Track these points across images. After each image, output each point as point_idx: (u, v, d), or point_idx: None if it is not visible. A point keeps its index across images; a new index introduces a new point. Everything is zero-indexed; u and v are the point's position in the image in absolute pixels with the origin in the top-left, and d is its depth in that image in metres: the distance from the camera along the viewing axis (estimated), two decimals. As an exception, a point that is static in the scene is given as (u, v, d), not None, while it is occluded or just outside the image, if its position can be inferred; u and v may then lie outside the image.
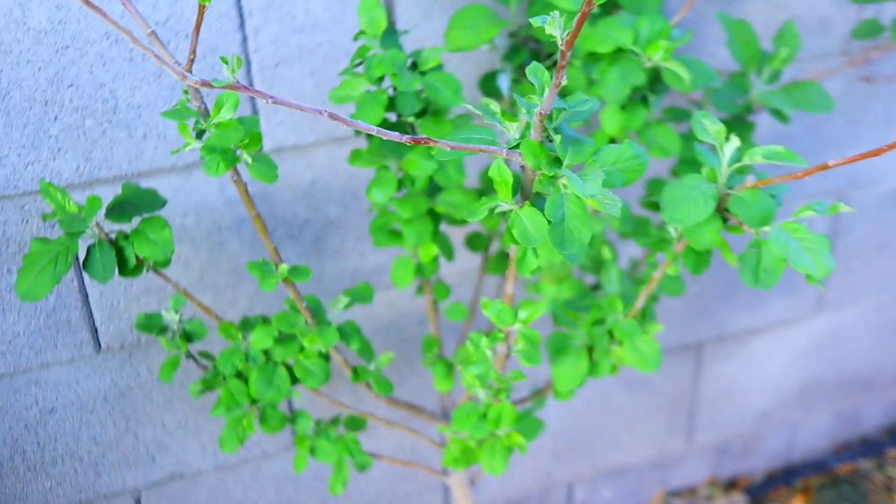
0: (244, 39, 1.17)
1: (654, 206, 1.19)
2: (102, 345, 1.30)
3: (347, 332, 1.04)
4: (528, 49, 1.14)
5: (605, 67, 1.01)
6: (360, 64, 1.02)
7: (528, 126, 0.76)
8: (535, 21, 0.64)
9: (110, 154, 1.18)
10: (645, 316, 0.98)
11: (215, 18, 1.15)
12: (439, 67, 1.01)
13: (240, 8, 1.16)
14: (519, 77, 1.16)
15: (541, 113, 0.71)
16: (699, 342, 1.71)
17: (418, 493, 1.64)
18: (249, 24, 1.17)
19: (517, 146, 0.74)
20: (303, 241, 1.33)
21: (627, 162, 0.76)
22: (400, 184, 1.03)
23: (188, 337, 1.14)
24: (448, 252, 1.11)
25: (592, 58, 1.06)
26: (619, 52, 1.01)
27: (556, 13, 0.63)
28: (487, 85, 1.17)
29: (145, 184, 1.21)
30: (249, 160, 0.88)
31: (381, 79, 1.00)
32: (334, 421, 1.20)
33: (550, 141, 0.74)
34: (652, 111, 1.06)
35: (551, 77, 0.73)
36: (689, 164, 1.22)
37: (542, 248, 0.82)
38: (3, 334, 1.23)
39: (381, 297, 1.41)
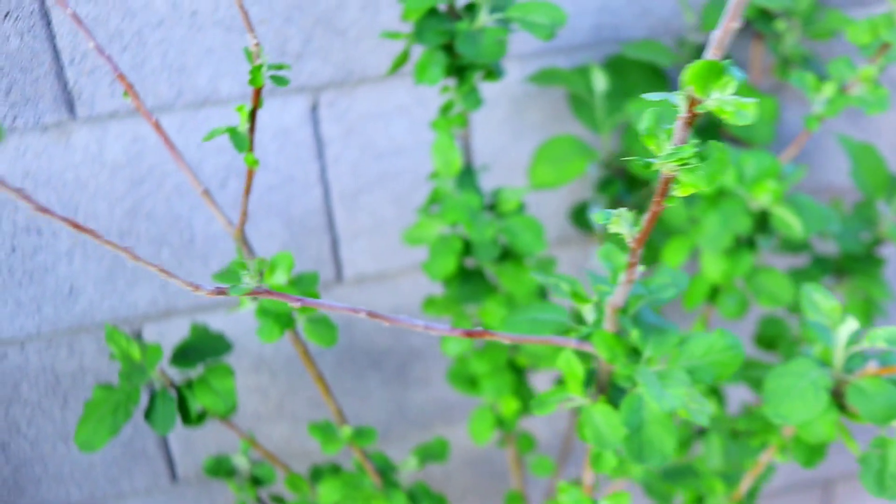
0: (323, 168, 1.13)
1: (769, 345, 1.07)
2: (179, 475, 1.26)
3: (417, 496, 0.96)
4: (620, 180, 1.04)
5: (706, 209, 0.91)
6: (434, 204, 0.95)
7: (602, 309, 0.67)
8: (598, 218, 0.55)
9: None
10: (752, 498, 0.85)
11: (293, 147, 1.11)
12: (520, 209, 0.93)
13: (318, 136, 1.11)
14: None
15: (613, 306, 0.62)
16: (827, 478, 1.54)
17: None
18: (329, 152, 1.12)
19: (589, 336, 0.65)
20: (386, 369, 1.26)
21: (719, 354, 0.65)
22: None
23: (257, 481, 1.08)
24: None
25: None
26: (722, 192, 0.91)
27: (623, 210, 0.54)
28: (578, 217, 1.08)
29: (223, 315, 1.17)
30: (305, 323, 0.82)
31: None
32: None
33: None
34: (760, 254, 0.94)
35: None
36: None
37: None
38: (79, 464, 1.21)
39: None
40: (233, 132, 0.68)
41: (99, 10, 1.00)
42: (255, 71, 0.65)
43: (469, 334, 0.61)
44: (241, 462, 1.08)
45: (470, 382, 1.01)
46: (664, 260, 0.98)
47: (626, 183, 1.05)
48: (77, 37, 1.00)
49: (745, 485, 0.84)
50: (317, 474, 1.05)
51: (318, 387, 0.89)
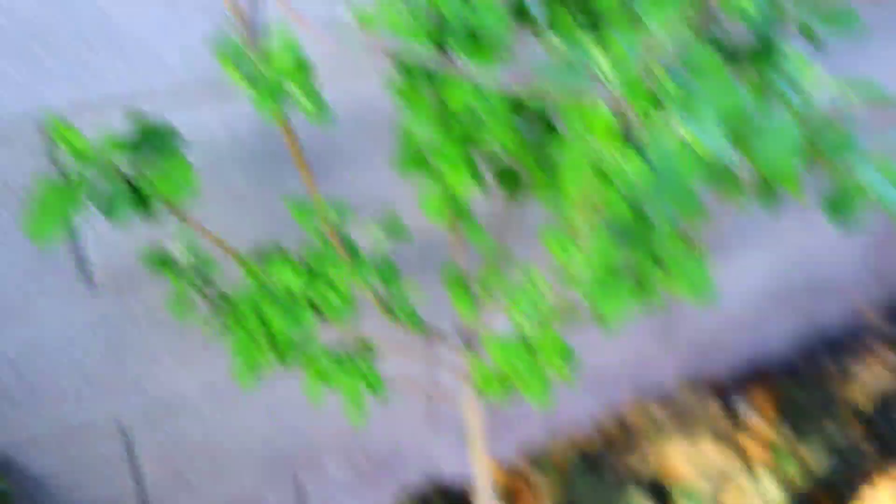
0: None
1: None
2: (96, 281, 1.24)
3: (385, 270, 1.00)
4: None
5: None
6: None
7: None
8: None
9: (104, 79, 1.10)
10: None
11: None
12: (479, -10, 0.96)
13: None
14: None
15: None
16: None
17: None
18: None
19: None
20: (314, 172, 1.28)
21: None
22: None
23: (198, 271, 1.09)
24: (479, 181, 1.07)
25: None
26: None
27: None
28: (515, 7, 1.11)
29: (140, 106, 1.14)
30: (305, 102, 0.81)
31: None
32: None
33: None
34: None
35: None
36: None
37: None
38: (-9, 273, 1.16)
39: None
40: None
41: None
42: None
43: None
44: (178, 250, 1.08)
45: (417, 161, 1.04)
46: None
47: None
48: None
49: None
50: (261, 257, 1.07)
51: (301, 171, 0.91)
